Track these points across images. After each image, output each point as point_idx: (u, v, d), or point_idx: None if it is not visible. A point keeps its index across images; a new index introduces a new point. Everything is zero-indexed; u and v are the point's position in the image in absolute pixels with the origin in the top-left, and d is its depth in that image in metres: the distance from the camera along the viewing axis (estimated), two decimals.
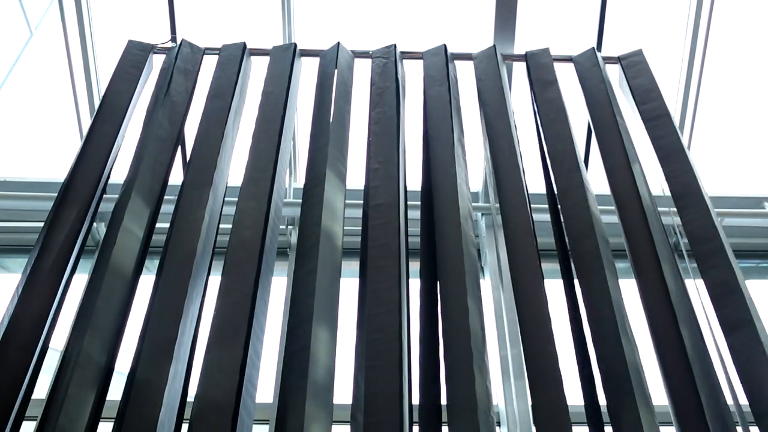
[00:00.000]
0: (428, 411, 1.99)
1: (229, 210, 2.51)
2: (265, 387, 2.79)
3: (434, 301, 2.21)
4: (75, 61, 3.49)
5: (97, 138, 2.59)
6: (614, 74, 3.14)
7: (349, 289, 2.27)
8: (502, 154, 2.66)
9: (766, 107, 4.11)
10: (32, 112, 4.18)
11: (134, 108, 2.83)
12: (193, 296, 2.11)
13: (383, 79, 2.96)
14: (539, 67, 3.08)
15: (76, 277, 2.23)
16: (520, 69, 3.29)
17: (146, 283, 2.19)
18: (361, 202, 2.49)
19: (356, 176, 2.73)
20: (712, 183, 3.56)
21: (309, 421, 1.78)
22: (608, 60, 3.17)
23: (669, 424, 1.97)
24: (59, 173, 2.59)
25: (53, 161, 3.97)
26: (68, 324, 2.74)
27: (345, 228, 2.39)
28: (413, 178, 2.72)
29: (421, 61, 3.16)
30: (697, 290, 2.25)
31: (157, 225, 2.44)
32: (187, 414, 1.95)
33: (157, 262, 2.22)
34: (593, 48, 3.18)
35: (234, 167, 2.72)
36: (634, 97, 2.91)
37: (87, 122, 3.56)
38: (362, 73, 3.14)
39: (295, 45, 3.14)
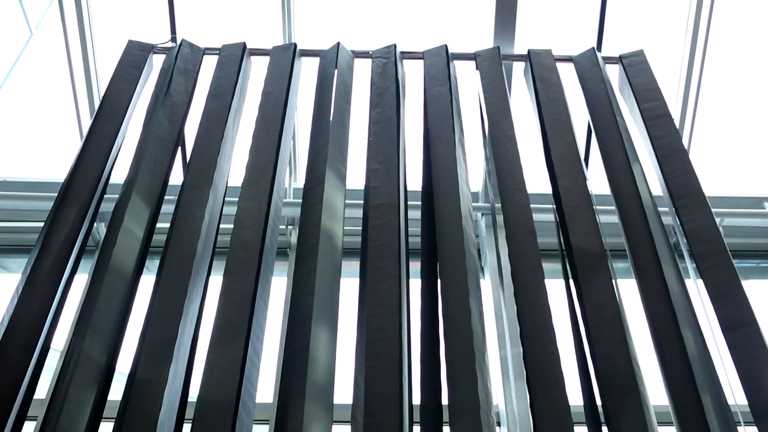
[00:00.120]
0: (429, 411, 1.99)
1: (230, 210, 2.51)
2: (265, 387, 2.79)
3: (435, 301, 2.21)
4: (75, 61, 3.49)
5: (97, 138, 2.59)
6: (614, 74, 3.14)
7: (349, 289, 2.27)
8: (506, 154, 2.65)
9: (766, 107, 4.11)
10: (32, 112, 4.18)
11: (134, 108, 2.83)
12: (193, 296, 2.11)
13: (383, 79, 2.96)
14: (542, 67, 3.08)
15: (76, 277, 2.23)
16: (519, 69, 3.28)
17: (147, 283, 2.19)
18: (361, 202, 2.49)
19: (356, 176, 2.73)
20: (712, 183, 3.56)
21: (309, 421, 1.78)
22: (609, 60, 3.17)
23: (669, 424, 1.97)
24: (59, 173, 2.60)
25: (53, 161, 3.97)
26: (69, 324, 2.75)
27: (345, 228, 2.39)
28: (413, 178, 2.72)
29: (421, 61, 3.16)
30: (697, 290, 2.25)
31: (158, 225, 2.44)
32: (188, 414, 1.95)
33: (157, 262, 2.22)
34: (593, 48, 3.18)
35: (234, 167, 2.72)
36: (635, 96, 2.91)
37: (87, 122, 3.56)
38: (362, 73, 3.14)
39: (295, 45, 3.14)
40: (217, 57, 3.09)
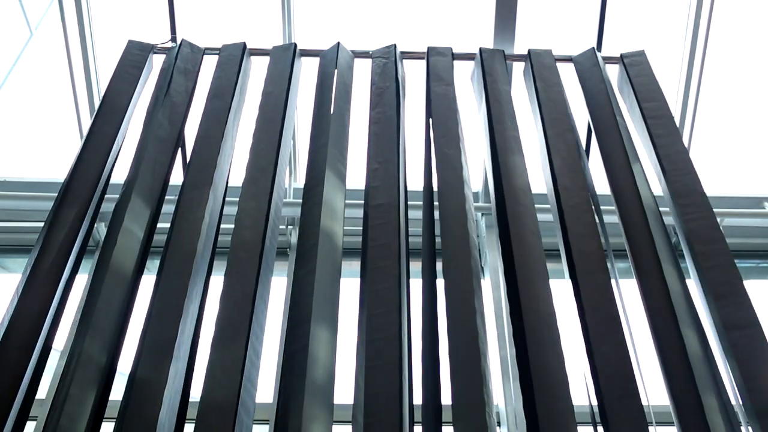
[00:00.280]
0: (429, 411, 1.99)
1: (230, 210, 2.51)
2: (265, 387, 2.79)
3: (437, 301, 2.20)
4: (75, 61, 3.49)
5: (97, 138, 2.59)
6: (613, 74, 3.14)
7: (349, 289, 2.27)
8: (511, 153, 2.65)
9: (766, 107, 4.11)
10: (32, 112, 4.18)
11: (134, 108, 2.83)
12: (192, 295, 2.11)
13: (383, 79, 2.96)
14: (542, 67, 3.08)
15: (76, 277, 2.23)
16: (519, 69, 3.28)
17: (148, 283, 2.19)
18: (361, 202, 2.49)
19: (356, 176, 2.73)
20: (712, 183, 3.56)
21: (309, 421, 1.78)
22: (609, 60, 3.17)
23: (669, 424, 1.97)
24: (59, 173, 2.60)
25: (53, 161, 3.97)
26: (69, 324, 2.74)
27: (345, 228, 2.39)
28: (413, 178, 2.72)
29: (421, 61, 3.16)
30: (699, 289, 2.25)
31: (158, 225, 2.44)
32: (188, 414, 1.95)
33: (157, 262, 2.22)
34: (593, 48, 3.18)
35: (234, 167, 2.72)
36: (636, 95, 2.91)
37: (87, 122, 3.56)
38: (362, 73, 3.14)
39: (295, 45, 3.14)
40: (217, 57, 3.10)
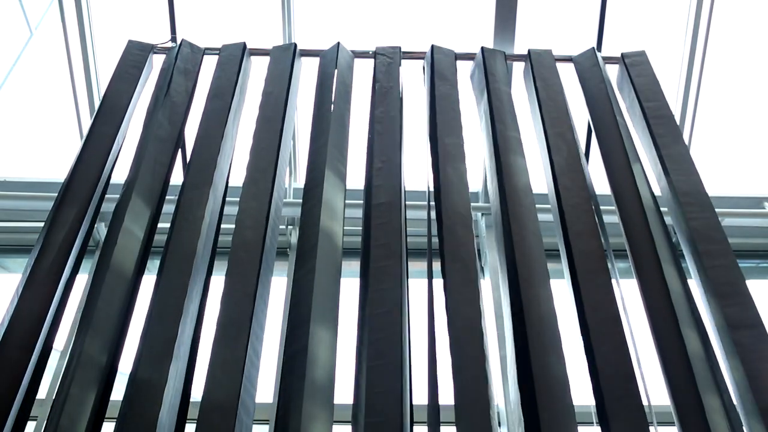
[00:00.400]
0: (431, 410, 1.99)
1: (230, 210, 2.51)
2: (265, 387, 2.79)
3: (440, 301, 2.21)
4: (75, 61, 3.49)
5: (97, 138, 2.59)
6: (613, 74, 3.14)
7: (349, 289, 2.27)
8: (512, 153, 2.65)
9: (766, 107, 4.11)
10: (32, 112, 4.18)
11: (134, 108, 2.83)
12: (192, 295, 2.11)
13: (388, 79, 2.96)
14: (542, 67, 3.08)
15: (77, 277, 2.23)
16: (519, 69, 3.28)
17: (148, 283, 2.19)
18: (361, 202, 2.48)
19: (356, 176, 2.73)
20: (712, 183, 3.56)
21: (309, 421, 1.78)
22: (610, 60, 3.17)
23: (669, 424, 1.97)
24: (59, 173, 2.60)
25: (53, 161, 3.97)
26: (70, 324, 2.74)
27: (345, 228, 2.39)
28: (413, 179, 2.72)
29: (420, 62, 3.16)
30: (700, 289, 2.24)
31: (158, 225, 2.43)
32: (189, 414, 1.95)
33: (158, 262, 2.22)
34: (593, 48, 3.18)
35: (235, 167, 2.72)
36: (637, 95, 2.91)
37: (87, 122, 3.56)
38: (362, 73, 3.14)
39: (295, 45, 3.14)
40: (217, 57, 3.10)
